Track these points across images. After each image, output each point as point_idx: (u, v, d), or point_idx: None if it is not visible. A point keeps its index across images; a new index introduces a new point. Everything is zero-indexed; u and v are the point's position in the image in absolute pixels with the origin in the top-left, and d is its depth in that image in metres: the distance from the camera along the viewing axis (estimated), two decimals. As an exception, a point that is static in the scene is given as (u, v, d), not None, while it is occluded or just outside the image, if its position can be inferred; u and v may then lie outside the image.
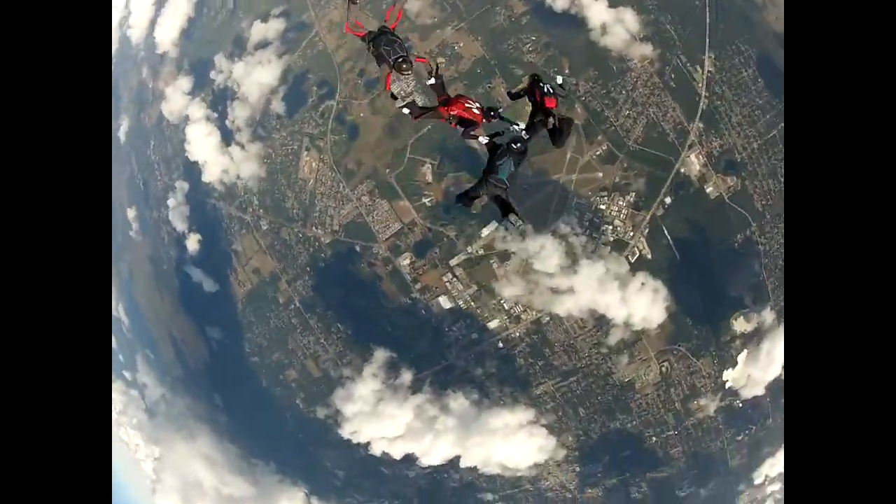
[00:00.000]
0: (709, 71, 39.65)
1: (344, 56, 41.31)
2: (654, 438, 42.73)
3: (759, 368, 41.52)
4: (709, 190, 39.15)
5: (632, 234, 38.94)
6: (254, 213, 45.03)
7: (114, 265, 57.54)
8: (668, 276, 39.17)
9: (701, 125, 39.12)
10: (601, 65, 39.12)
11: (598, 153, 38.68)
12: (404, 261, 40.20)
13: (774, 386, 41.61)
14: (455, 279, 40.02)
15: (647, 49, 39.36)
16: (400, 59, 9.17)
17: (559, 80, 9.93)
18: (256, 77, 45.55)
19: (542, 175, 38.86)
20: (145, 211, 54.92)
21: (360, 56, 40.87)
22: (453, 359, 42.20)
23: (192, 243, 49.69)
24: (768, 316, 40.84)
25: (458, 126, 9.22)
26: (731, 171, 39.27)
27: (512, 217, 8.55)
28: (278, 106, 44.06)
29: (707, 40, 39.99)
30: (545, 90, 9.28)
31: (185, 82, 52.25)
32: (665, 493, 44.72)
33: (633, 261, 39.02)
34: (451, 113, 9.16)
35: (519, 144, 8.82)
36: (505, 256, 39.66)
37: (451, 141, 38.61)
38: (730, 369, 41.28)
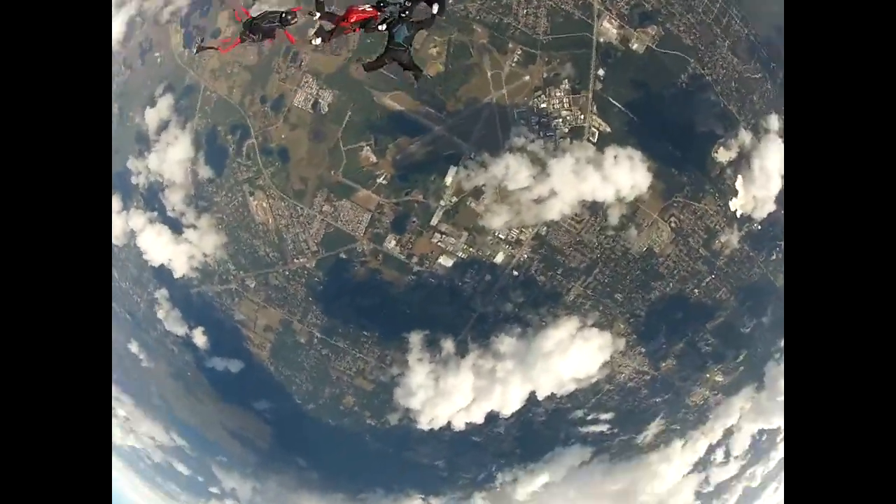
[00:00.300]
0: None
1: (240, 94, 41.11)
2: (696, 291, 43.05)
3: (760, 187, 41.82)
4: (635, 47, 39.15)
5: (582, 117, 38.90)
6: (237, 279, 44.73)
7: (144, 403, 57.96)
8: (635, 140, 39.17)
9: None
10: None
11: (515, 60, 38.62)
12: (390, 244, 40.22)
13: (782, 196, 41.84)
14: (444, 236, 40.16)
15: None
16: (284, 15, 10.35)
17: None
18: (172, 157, 45.18)
19: (474, 103, 38.86)
20: (143, 336, 54.37)
21: (254, 86, 40.82)
22: (480, 307, 42.27)
23: (200, 338, 49.29)
24: (745, 136, 41.13)
25: (362, 29, 10.30)
26: (648, 20, 39.12)
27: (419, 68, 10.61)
28: (205, 171, 43.77)
29: None
30: None
31: (114, 201, 51.84)
32: (732, 336, 45.26)
33: (595, 140, 39.02)
34: (352, 21, 10.01)
35: (406, 10, 10.00)
36: (478, 192, 39.61)
37: (377, 117, 38.83)
38: (733, 199, 41.62)
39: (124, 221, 51.08)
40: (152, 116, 46.02)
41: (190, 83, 43.56)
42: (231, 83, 41.27)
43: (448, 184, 39.29)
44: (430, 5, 10.22)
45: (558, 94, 38.63)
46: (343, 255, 41.06)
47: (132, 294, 53.50)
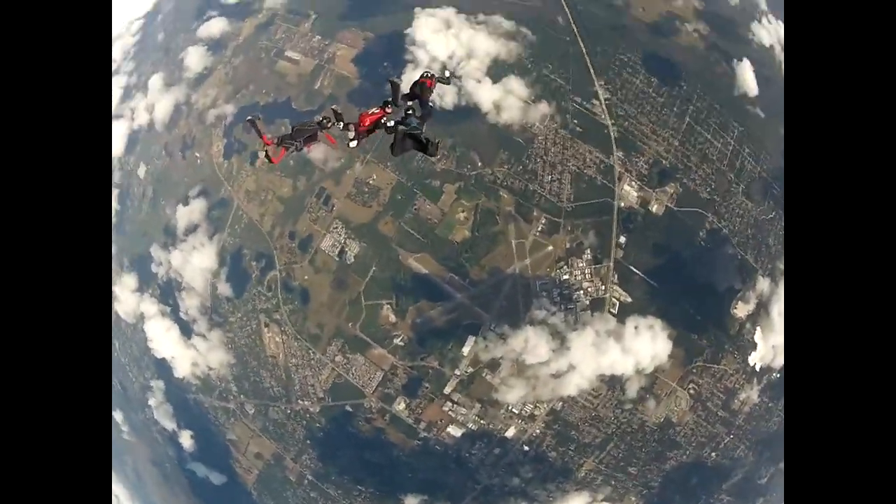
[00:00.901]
0: (605, 99, 39.37)
1: (271, 223, 39.88)
2: (713, 454, 41.08)
3: (779, 333, 40.30)
4: (654, 208, 38.41)
5: (603, 288, 37.60)
6: (236, 401, 42.65)
7: (118, 470, 56.04)
8: (655, 307, 37.89)
9: (620, 154, 38.51)
10: (508, 143, 38.57)
11: (539, 229, 37.76)
12: (399, 406, 37.93)
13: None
14: (456, 405, 37.85)
15: (543, 107, 39.21)
16: (322, 120, 10.80)
17: (446, 73, 12.40)
18: (195, 263, 43.83)
19: (497, 273, 37.62)
20: (130, 413, 52.71)
21: (285, 219, 39.39)
22: (486, 480, 39.55)
23: (186, 440, 47.23)
24: (763, 284, 39.93)
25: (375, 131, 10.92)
26: (666, 178, 38.74)
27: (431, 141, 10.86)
28: (224, 288, 42.25)
29: (591, 69, 39.93)
30: (427, 74, 11.59)
31: (130, 280, 50.73)
32: (748, 489, 43.48)
33: (616, 311, 37.59)
34: (367, 126, 10.67)
35: (410, 108, 11.15)
36: (495, 365, 37.53)
37: (401, 277, 37.52)
38: (752, 352, 40.01)
39: (137, 303, 50.03)
40: (183, 214, 45.01)
41: (224, 197, 42.31)
42: (263, 210, 40.00)
43: (465, 354, 37.41)
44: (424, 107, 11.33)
45: (580, 264, 37.63)
46: (349, 408, 38.70)
47: (129, 371, 52.02)
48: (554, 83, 39.51)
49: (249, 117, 10.01)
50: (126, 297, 50.84)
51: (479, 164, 38.06)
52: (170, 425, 48.11)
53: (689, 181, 38.84)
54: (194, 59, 48.34)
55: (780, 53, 51.30)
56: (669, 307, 38.04)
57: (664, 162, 38.75)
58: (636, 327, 37.32)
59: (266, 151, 9.71)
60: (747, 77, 46.93)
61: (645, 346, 37.37)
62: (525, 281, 37.32)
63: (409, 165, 37.85)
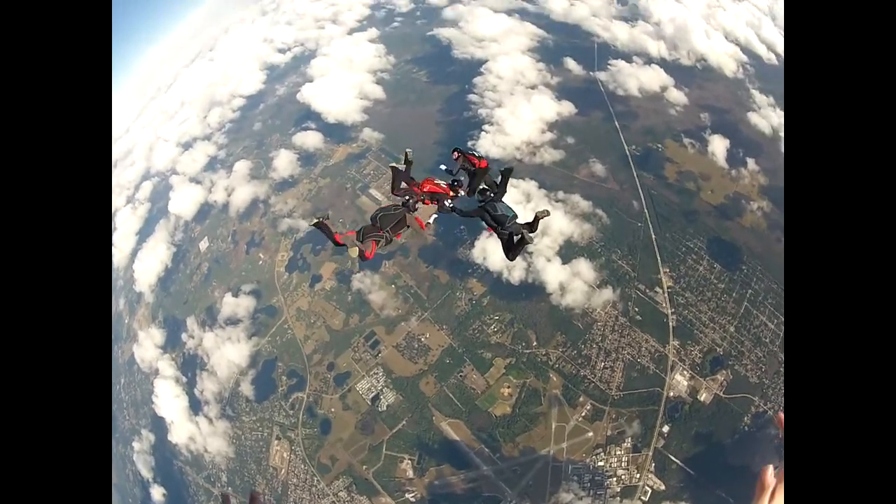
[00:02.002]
0: (668, 287, 39.67)
1: (312, 347, 40.27)
2: None
3: None
4: (703, 397, 37.37)
5: (638, 476, 35.86)
6: (220, 490, 41.82)
7: None
8: (689, 495, 35.99)
9: (676, 343, 38.25)
10: (567, 326, 38.63)
11: (582, 415, 36.75)
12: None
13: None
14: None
15: (607, 293, 39.49)
16: (407, 200, 8.93)
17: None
18: (226, 353, 44.25)
19: (529, 453, 36.43)
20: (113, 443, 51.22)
21: (328, 349, 40.17)
22: None
23: (157, 494, 45.65)
24: None
25: (430, 202, 9.22)
26: (718, 366, 37.99)
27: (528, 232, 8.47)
28: (247, 389, 42.33)
29: (658, 257, 40.55)
30: (473, 153, 9.69)
31: (157, 334, 51.21)
32: None
33: (647, 499, 35.76)
34: (425, 190, 9.19)
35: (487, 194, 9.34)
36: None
37: (430, 437, 36.94)
38: None
39: (156, 357, 50.11)
40: (229, 303, 46.00)
41: (275, 305, 43.29)
42: (310, 333, 40.64)
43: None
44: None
45: (618, 452, 36.15)
46: (339, 550, 37.68)
47: (125, 409, 51.21)
48: (621, 269, 40.32)
49: (316, 219, 7.97)
50: (148, 346, 51.09)
51: (535, 343, 38.18)
52: (146, 473, 47.02)
53: (741, 367, 38.06)
54: (283, 163, 51.06)
55: None
56: (703, 494, 36.01)
57: (718, 349, 38.34)
58: None
59: (359, 251, 7.97)
60: None
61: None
62: (557, 464, 35.96)
63: (465, 332, 38.34)
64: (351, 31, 69.97)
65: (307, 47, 71.79)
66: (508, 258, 8.78)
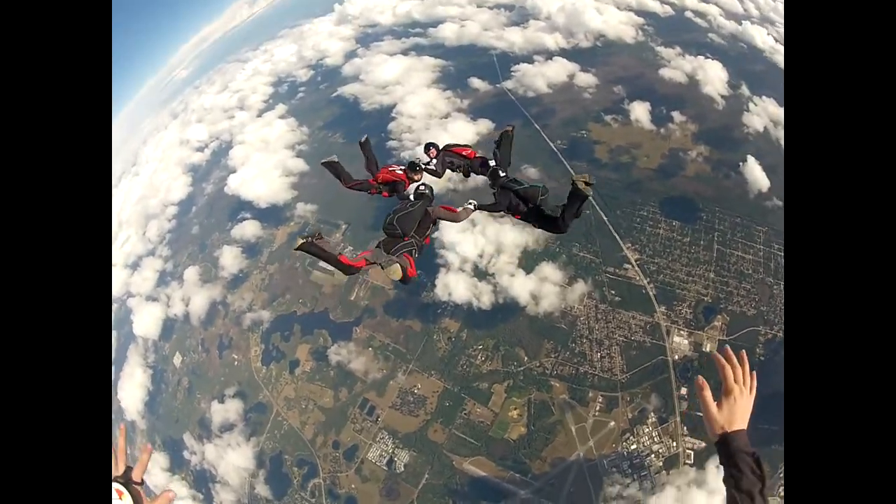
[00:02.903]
0: (636, 259, 40.00)
1: (313, 432, 39.40)
2: None
3: None
4: (708, 348, 37.29)
5: (675, 444, 35.50)
6: None
7: None
8: None
9: (663, 308, 38.41)
10: (551, 332, 38.49)
11: (597, 409, 36.50)
12: None
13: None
14: None
15: (580, 287, 39.51)
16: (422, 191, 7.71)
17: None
18: (231, 460, 43.04)
19: (560, 463, 35.75)
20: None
21: (327, 428, 39.52)
22: None
23: None
24: None
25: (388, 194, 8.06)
26: (712, 314, 38.47)
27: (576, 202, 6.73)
28: (263, 489, 41.04)
29: (616, 235, 40.88)
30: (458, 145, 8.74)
31: (161, 458, 49.58)
32: None
33: (692, 461, 35.19)
34: (379, 181, 8.08)
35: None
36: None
37: (457, 482, 35.97)
38: None
39: (167, 482, 48.32)
40: (218, 412, 44.87)
41: (262, 401, 42.41)
42: (305, 418, 39.83)
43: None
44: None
45: (646, 429, 35.80)
46: None
47: None
48: (585, 260, 40.31)
49: (302, 240, 6.27)
50: (156, 472, 49.24)
51: (526, 358, 37.74)
52: None
53: (734, 305, 38.31)
54: (229, 259, 50.18)
55: (775, 130, 52.06)
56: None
57: (706, 298, 38.56)
58: (717, 466, 34.98)
59: (400, 268, 6.37)
60: (756, 175, 46.82)
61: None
62: (591, 463, 35.31)
63: (454, 371, 37.88)
64: (260, 113, 69.66)
65: (223, 140, 71.01)
66: (562, 229, 7.15)
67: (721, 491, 2.91)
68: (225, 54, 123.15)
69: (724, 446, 3.01)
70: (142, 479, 3.18)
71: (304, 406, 40.34)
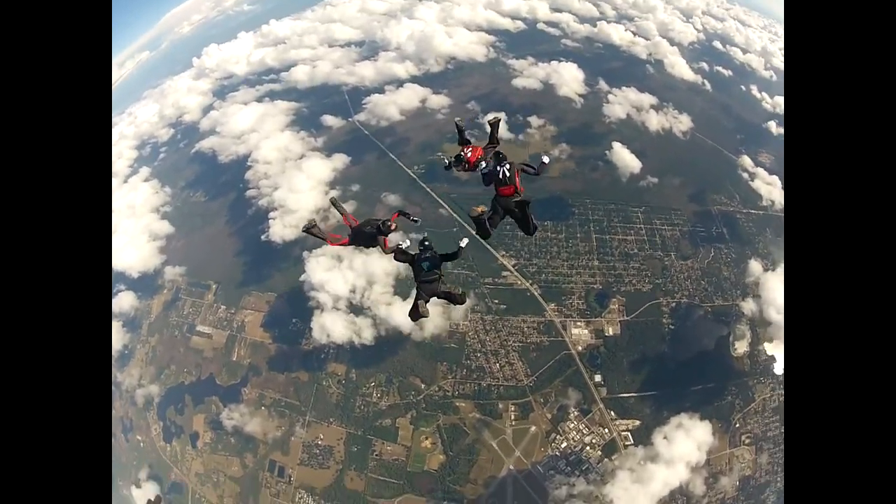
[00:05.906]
0: (513, 265, 38.70)
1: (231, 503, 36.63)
2: None
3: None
4: (611, 332, 37.03)
5: (606, 430, 34.55)
6: None
7: None
8: (670, 408, 35.57)
9: (553, 305, 37.33)
10: (443, 354, 36.52)
11: (512, 418, 35.13)
12: None
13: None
14: None
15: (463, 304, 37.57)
16: (383, 223, 9.70)
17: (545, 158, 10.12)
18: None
19: (492, 480, 33.79)
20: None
21: (244, 498, 36.20)
22: None
23: None
24: (746, 306, 38.74)
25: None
26: (605, 298, 37.89)
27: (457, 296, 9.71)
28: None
29: (488, 246, 39.42)
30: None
31: None
32: None
33: (631, 441, 34.47)
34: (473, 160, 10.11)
35: (426, 245, 10.11)
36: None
37: None
38: (775, 364, 38.07)
39: None
40: (139, 498, 41.09)
41: (176, 481, 38.92)
42: (220, 492, 36.62)
43: None
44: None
45: (571, 424, 34.48)
46: None
47: None
48: (461, 275, 38.26)
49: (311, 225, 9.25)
50: None
51: (423, 386, 35.52)
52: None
53: (626, 286, 37.97)
54: (113, 334, 45.35)
55: (638, 114, 53.23)
56: (682, 399, 35.26)
57: (596, 286, 38.01)
58: (665, 437, 33.96)
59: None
60: (626, 158, 46.87)
61: (684, 444, 33.89)
62: (525, 472, 33.58)
63: (353, 414, 35.16)
64: (126, 179, 63.06)
65: (91, 211, 63.69)
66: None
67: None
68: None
69: None
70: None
71: (215, 480, 37.15)
